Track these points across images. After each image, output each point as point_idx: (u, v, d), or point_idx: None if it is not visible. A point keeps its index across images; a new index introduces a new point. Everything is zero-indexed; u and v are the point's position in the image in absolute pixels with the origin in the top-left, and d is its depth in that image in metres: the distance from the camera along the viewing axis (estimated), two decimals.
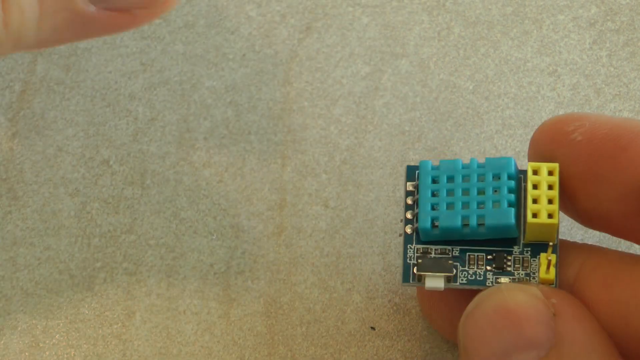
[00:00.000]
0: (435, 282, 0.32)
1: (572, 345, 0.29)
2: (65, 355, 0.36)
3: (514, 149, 0.38)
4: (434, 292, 0.33)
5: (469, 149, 0.38)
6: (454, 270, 0.32)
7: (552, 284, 0.31)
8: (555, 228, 0.31)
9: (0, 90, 0.39)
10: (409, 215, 0.32)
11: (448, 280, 0.32)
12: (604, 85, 0.39)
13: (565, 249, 0.32)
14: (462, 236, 0.32)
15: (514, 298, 0.29)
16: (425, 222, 0.31)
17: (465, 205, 0.31)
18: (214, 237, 0.37)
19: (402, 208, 0.33)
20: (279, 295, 0.37)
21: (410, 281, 0.32)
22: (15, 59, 0.39)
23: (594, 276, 0.31)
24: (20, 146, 0.38)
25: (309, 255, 0.37)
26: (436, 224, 0.31)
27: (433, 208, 0.32)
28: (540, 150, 0.32)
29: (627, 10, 0.40)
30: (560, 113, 0.38)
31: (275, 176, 0.38)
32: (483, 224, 0.31)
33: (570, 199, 0.32)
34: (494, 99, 0.39)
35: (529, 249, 0.32)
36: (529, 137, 0.38)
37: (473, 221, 0.31)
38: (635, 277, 0.30)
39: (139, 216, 0.37)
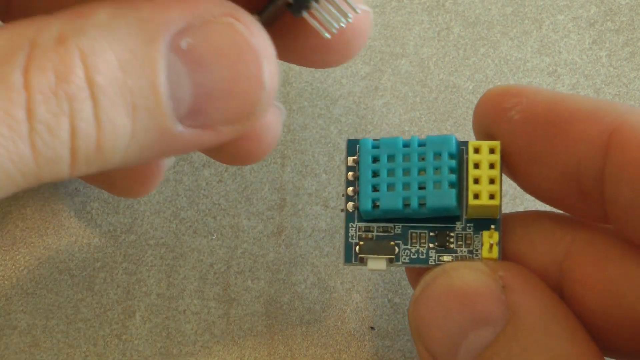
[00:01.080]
0: (377, 264, 0.31)
1: (527, 317, 0.28)
2: (65, 355, 0.36)
3: None
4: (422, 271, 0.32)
5: None
6: (396, 250, 0.31)
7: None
8: (496, 209, 0.31)
9: None
10: (350, 192, 0.32)
11: (390, 261, 0.31)
12: (603, 85, 0.39)
13: (554, 224, 0.31)
14: (404, 216, 0.31)
15: (461, 277, 0.29)
16: (366, 204, 0.31)
17: (406, 186, 0.31)
18: (214, 237, 0.37)
19: (343, 182, 0.32)
20: (279, 295, 0.37)
21: (353, 261, 0.31)
22: None
23: (585, 254, 0.30)
24: None
25: (309, 255, 0.37)
26: (377, 204, 0.31)
27: (374, 189, 0.31)
28: (481, 125, 0.32)
29: (626, 10, 0.40)
30: None
31: (275, 176, 0.38)
32: (424, 204, 0.31)
33: (512, 176, 0.31)
34: None
35: (472, 225, 0.31)
36: None
37: (414, 202, 0.31)
38: (627, 257, 0.29)
39: (139, 216, 0.37)
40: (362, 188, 0.31)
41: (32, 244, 0.37)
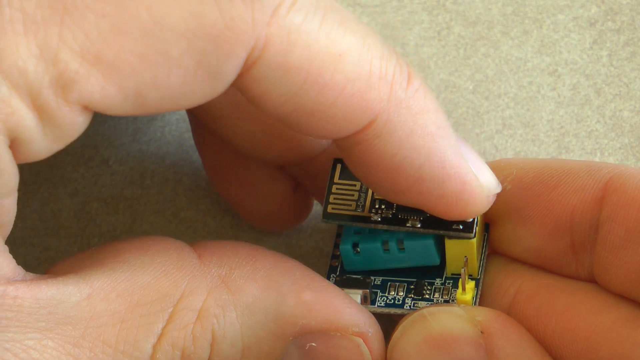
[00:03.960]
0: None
1: None
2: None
3: (514, 149, 0.38)
4: None
5: None
6: (372, 290, 0.32)
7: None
8: (475, 270, 0.31)
9: None
10: (335, 252, 0.33)
11: (365, 299, 0.31)
12: (604, 85, 0.39)
13: (501, 271, 0.32)
14: (383, 262, 0.32)
15: (439, 322, 0.29)
16: (347, 244, 0.32)
17: (386, 234, 0.31)
18: (213, 237, 0.37)
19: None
20: None
21: None
22: None
23: (530, 305, 0.31)
24: None
25: (309, 255, 0.37)
26: (357, 248, 0.32)
27: (356, 233, 0.32)
28: None
29: (627, 10, 0.40)
30: (561, 113, 0.38)
31: None
32: (403, 247, 0.31)
33: (498, 241, 0.32)
34: (494, 99, 0.39)
35: (451, 281, 0.32)
36: (529, 137, 0.38)
37: (393, 244, 0.31)
38: (570, 307, 0.30)
39: (138, 216, 0.37)
40: (344, 234, 0.32)
41: (32, 245, 0.37)
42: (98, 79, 0.25)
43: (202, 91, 0.26)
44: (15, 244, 0.37)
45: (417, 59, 0.39)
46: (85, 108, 0.26)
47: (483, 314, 0.30)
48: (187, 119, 0.38)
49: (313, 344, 0.29)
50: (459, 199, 0.29)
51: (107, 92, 0.25)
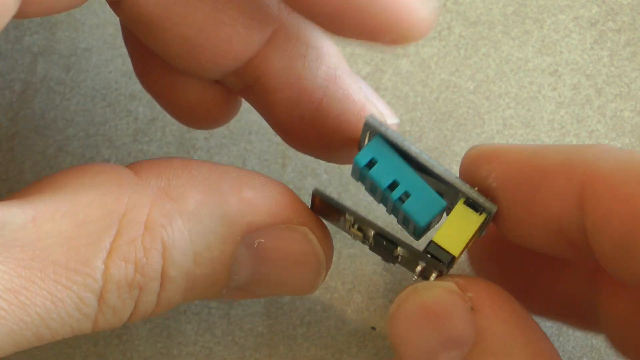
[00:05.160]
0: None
1: (493, 340, 0.29)
2: (65, 356, 0.36)
3: None
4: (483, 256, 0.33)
5: None
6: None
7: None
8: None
9: (1, 90, 0.39)
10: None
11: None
12: (605, 85, 0.39)
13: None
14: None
15: (432, 296, 0.29)
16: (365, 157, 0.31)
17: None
18: None
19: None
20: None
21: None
22: (15, 58, 0.39)
23: None
24: (21, 146, 0.38)
25: None
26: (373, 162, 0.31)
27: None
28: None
29: (628, 10, 0.40)
30: (562, 113, 0.38)
31: (276, 176, 0.38)
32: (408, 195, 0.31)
33: (505, 237, 0.32)
34: (494, 99, 0.39)
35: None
36: (530, 137, 0.38)
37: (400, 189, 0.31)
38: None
39: None
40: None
41: None
42: None
43: None
44: None
45: (418, 59, 0.39)
46: None
47: (476, 289, 0.29)
48: None
49: (261, 239, 0.29)
50: (398, 12, 0.28)
51: None
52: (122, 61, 0.39)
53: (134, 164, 0.30)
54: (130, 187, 0.28)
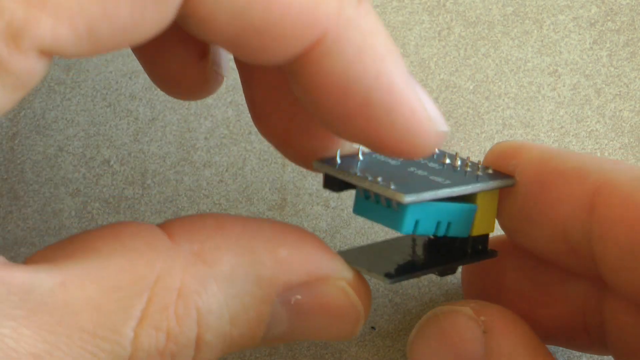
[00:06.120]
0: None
1: (500, 359, 0.30)
2: None
3: None
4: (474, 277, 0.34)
5: (470, 149, 0.38)
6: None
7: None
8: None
9: None
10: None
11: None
12: (604, 85, 0.39)
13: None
14: None
15: (450, 323, 0.31)
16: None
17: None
18: None
19: None
20: None
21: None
22: None
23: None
24: (21, 146, 0.38)
25: None
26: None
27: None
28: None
29: (627, 10, 0.40)
30: (561, 113, 0.38)
31: (276, 176, 0.38)
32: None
33: (509, 235, 0.33)
34: (494, 99, 0.39)
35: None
36: (529, 137, 0.38)
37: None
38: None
39: (139, 216, 0.37)
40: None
41: (33, 244, 0.37)
42: (48, 22, 0.25)
43: (152, 19, 0.26)
44: (16, 244, 0.37)
45: (418, 59, 0.39)
46: (42, 53, 0.25)
47: (489, 313, 0.31)
48: (188, 119, 0.38)
49: (298, 296, 0.29)
50: (407, 129, 0.28)
51: (59, 33, 0.25)
52: (122, 61, 0.39)
53: (167, 224, 0.29)
54: (163, 252, 0.28)
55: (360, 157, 0.31)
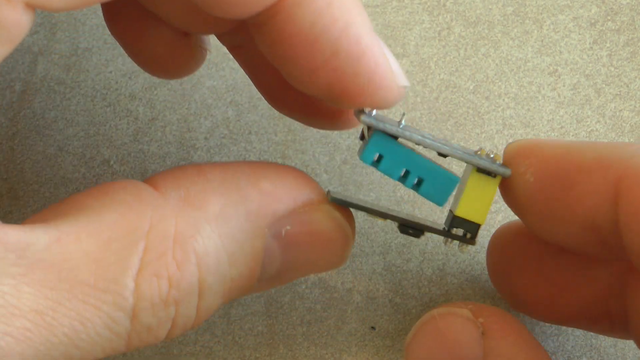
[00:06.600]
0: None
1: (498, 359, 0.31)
2: None
3: None
4: (504, 264, 0.34)
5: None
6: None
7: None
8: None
9: (1, 90, 0.39)
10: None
11: None
12: (604, 85, 0.39)
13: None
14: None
15: (447, 325, 0.32)
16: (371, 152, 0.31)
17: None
18: None
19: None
20: (280, 295, 0.37)
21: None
22: (15, 58, 0.39)
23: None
24: (21, 146, 0.38)
25: None
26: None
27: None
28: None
29: (627, 10, 0.40)
30: (561, 113, 0.38)
31: None
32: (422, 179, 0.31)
33: (537, 233, 0.32)
34: (494, 99, 0.39)
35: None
36: (530, 137, 0.38)
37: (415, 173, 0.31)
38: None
39: None
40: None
41: None
42: None
43: None
44: None
45: (418, 59, 0.39)
46: (27, 5, 0.25)
47: (487, 315, 0.31)
48: (188, 119, 0.38)
49: (287, 227, 0.30)
50: (371, 80, 0.29)
51: None
52: (122, 61, 0.39)
53: (150, 178, 0.29)
54: (152, 201, 0.28)
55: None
